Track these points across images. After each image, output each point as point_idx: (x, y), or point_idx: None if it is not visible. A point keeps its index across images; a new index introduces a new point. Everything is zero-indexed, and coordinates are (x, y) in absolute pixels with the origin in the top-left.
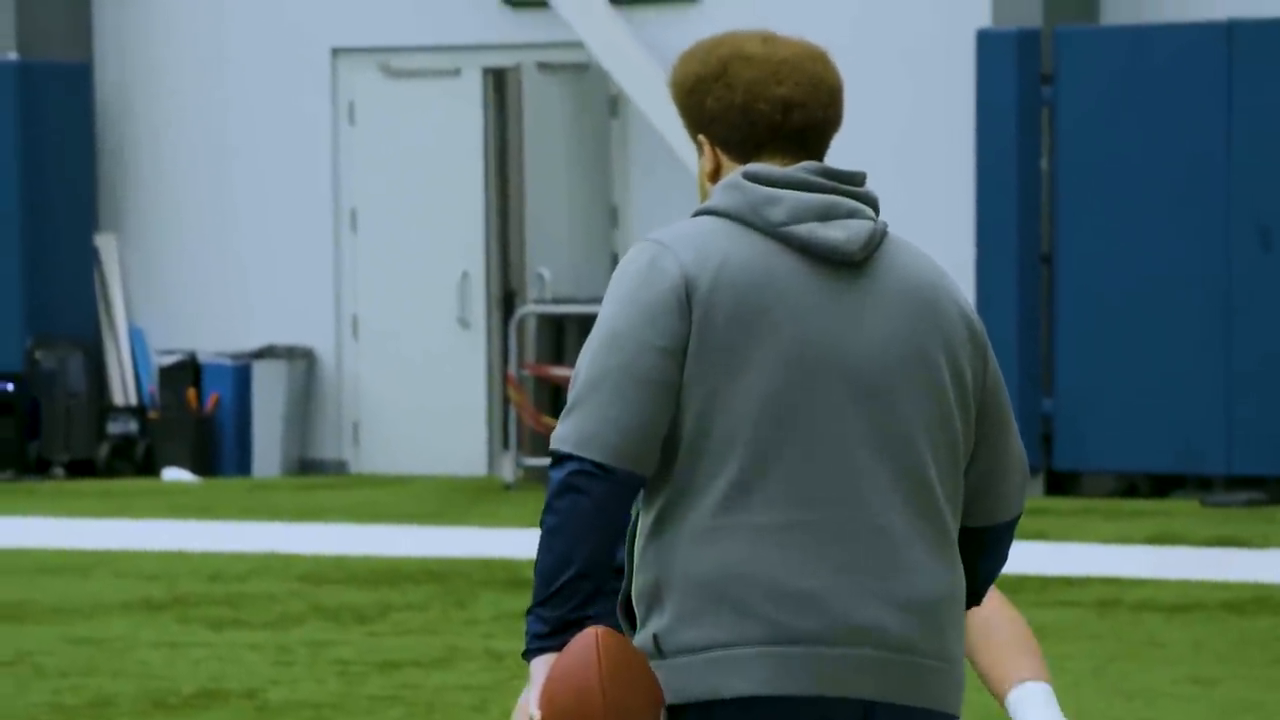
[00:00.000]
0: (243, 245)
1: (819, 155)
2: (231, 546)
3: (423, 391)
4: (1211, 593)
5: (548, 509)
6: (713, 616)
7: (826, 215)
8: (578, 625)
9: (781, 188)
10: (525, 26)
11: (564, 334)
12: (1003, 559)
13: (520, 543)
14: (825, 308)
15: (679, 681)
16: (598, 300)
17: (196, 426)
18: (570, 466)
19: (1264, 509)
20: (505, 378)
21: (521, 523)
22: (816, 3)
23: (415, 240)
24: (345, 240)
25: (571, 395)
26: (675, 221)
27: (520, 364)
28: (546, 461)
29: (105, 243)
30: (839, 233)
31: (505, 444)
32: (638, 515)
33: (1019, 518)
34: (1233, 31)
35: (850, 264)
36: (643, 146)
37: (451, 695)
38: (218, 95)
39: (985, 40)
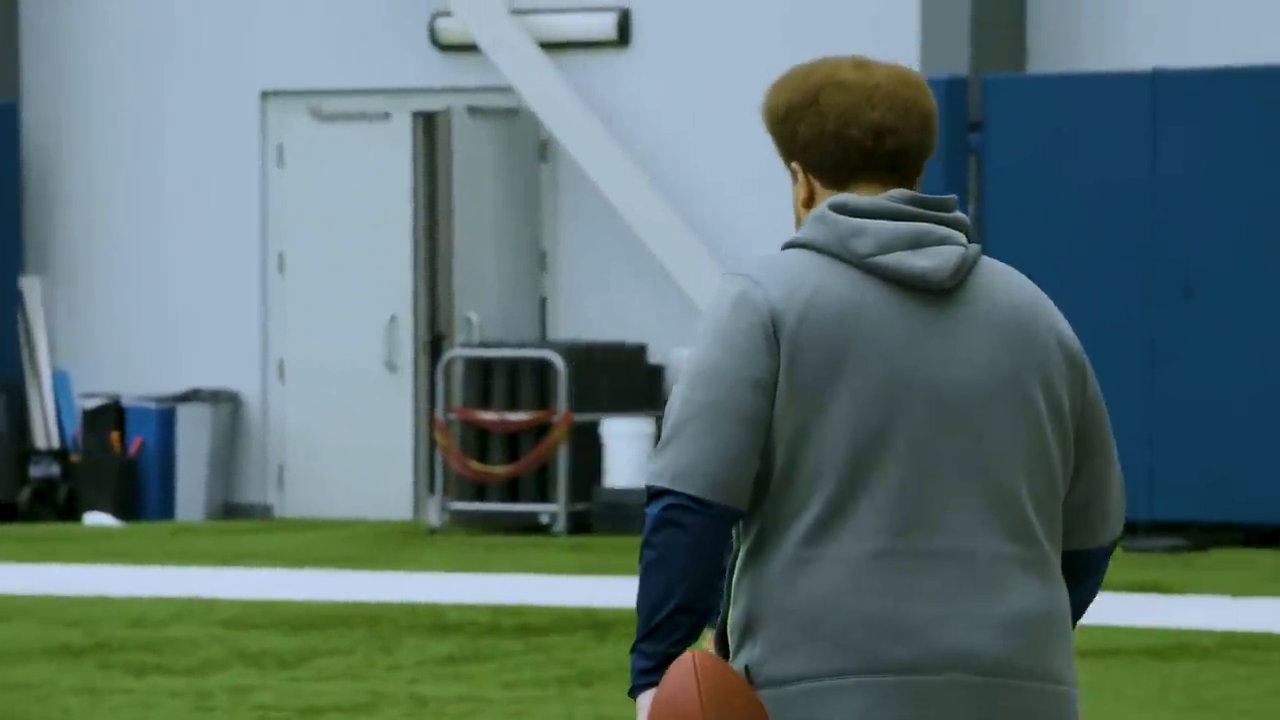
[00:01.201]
0: (169, 288)
1: (912, 181)
2: (154, 591)
3: (349, 435)
4: (1134, 638)
5: (646, 544)
6: (806, 647)
7: (917, 244)
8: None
9: (868, 218)
10: (455, 71)
11: (491, 378)
12: (1098, 584)
13: (446, 587)
14: (914, 337)
15: (773, 713)
16: (526, 344)
17: (120, 470)
18: (667, 501)
19: (1186, 554)
20: (432, 421)
21: (447, 567)
22: (745, 52)
23: (343, 283)
24: (273, 283)
25: (665, 431)
26: (757, 255)
27: (447, 408)
28: (472, 505)
29: (30, 285)
30: (927, 261)
31: (431, 488)
32: (739, 548)
33: (1116, 543)
34: (1157, 81)
35: (940, 291)
36: (572, 191)
37: None
38: (146, 137)
39: None
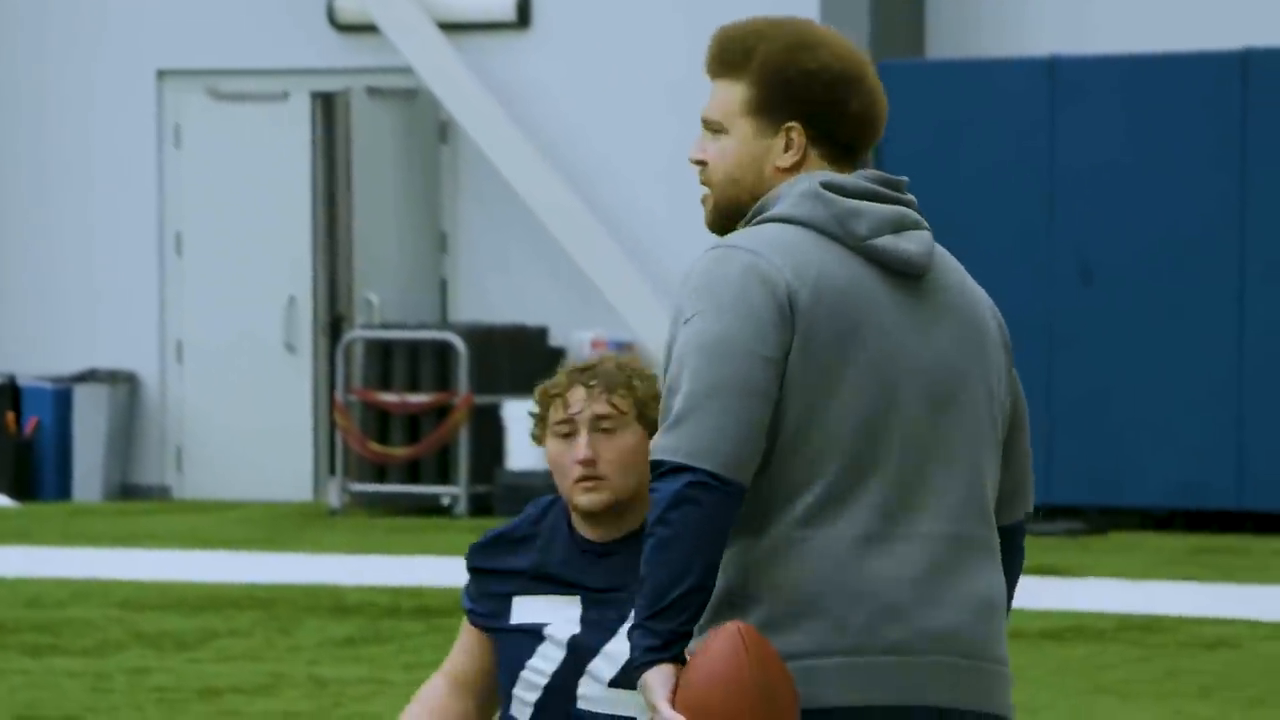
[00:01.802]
0: (65, 267)
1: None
2: (50, 572)
3: (248, 416)
4: (1030, 621)
5: (660, 521)
6: (803, 625)
7: (899, 227)
8: (687, 639)
9: (859, 199)
10: (354, 51)
11: (392, 359)
12: (1023, 559)
13: (346, 569)
14: (903, 321)
15: None
16: (427, 326)
17: (15, 450)
18: (685, 478)
19: (1082, 538)
20: (332, 403)
21: (347, 549)
22: (646, 35)
23: (241, 264)
24: (170, 263)
25: (676, 405)
26: (752, 229)
27: (347, 389)
28: (373, 487)
29: None
30: (913, 246)
31: (332, 469)
32: None
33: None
34: (1055, 67)
35: (917, 276)
36: (472, 173)
37: None
38: (41, 115)
39: None
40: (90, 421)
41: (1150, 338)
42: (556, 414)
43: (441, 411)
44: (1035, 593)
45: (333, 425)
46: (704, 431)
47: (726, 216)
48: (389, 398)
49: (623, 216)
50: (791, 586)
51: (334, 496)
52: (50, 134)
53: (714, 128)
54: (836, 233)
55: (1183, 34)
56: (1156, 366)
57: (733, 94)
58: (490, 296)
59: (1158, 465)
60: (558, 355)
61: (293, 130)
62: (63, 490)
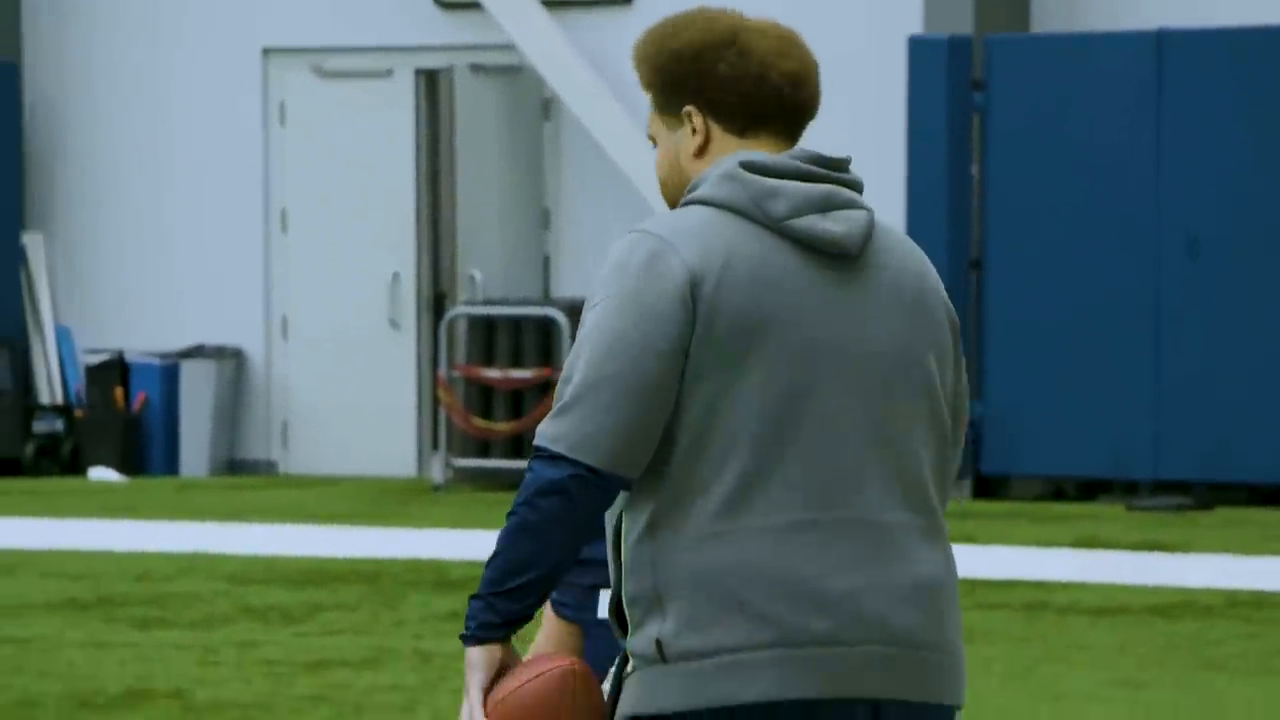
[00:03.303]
0: (172, 245)
1: (799, 135)
2: (158, 546)
3: (352, 392)
4: (1137, 596)
5: (527, 504)
6: (726, 620)
7: (825, 207)
8: (526, 620)
9: (779, 178)
10: (458, 28)
11: (494, 335)
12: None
13: (450, 544)
14: (826, 304)
15: (687, 687)
16: (529, 302)
17: (123, 426)
18: (563, 469)
19: (1189, 514)
20: (435, 379)
21: (451, 524)
22: (747, 9)
23: (346, 241)
24: (275, 240)
25: (566, 394)
26: (661, 214)
27: (450, 365)
28: (476, 463)
29: (33, 241)
30: (839, 226)
31: (435, 445)
32: (620, 515)
33: None
34: (1162, 41)
35: (848, 257)
36: (575, 149)
37: (380, 696)
38: (148, 94)
39: (916, 47)
40: (197, 397)
41: (1258, 312)
42: None
43: (544, 387)
44: (1143, 568)
45: (436, 401)
46: (588, 424)
47: None
48: (492, 373)
49: None
50: (712, 581)
51: (437, 472)
52: (158, 113)
53: (652, 143)
54: (753, 213)
55: None
56: (1264, 341)
57: (648, 103)
58: (592, 272)
59: (1265, 440)
60: None
61: (397, 108)
62: (170, 465)
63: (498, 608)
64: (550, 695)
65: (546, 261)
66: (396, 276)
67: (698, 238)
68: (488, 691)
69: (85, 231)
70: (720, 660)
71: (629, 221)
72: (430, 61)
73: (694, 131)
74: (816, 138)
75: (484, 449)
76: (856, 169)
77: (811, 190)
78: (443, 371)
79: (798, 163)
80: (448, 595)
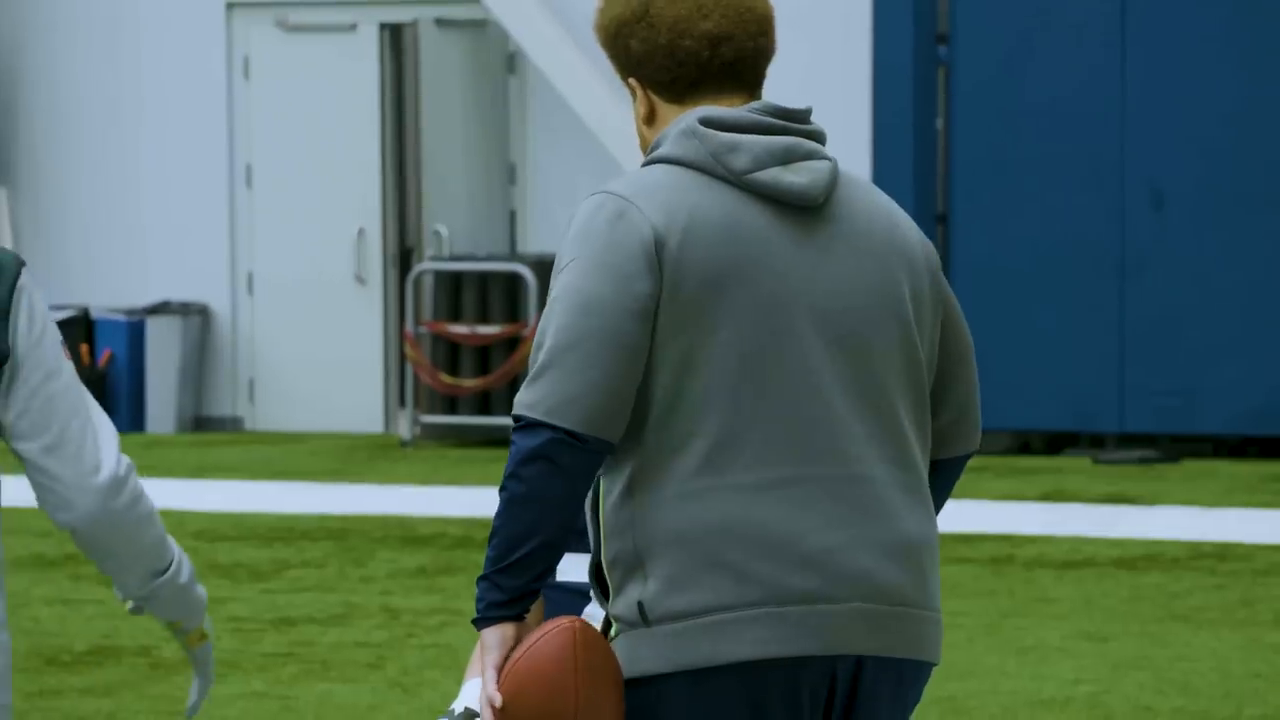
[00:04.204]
0: (136, 200)
1: (755, 88)
2: None
3: (319, 348)
4: (1103, 549)
5: (513, 476)
6: (708, 579)
7: (787, 159)
8: (534, 595)
9: (739, 132)
10: None
11: (461, 291)
12: (947, 495)
13: (417, 500)
14: (793, 256)
15: (670, 649)
16: (496, 257)
17: (89, 383)
18: (543, 434)
19: (1155, 467)
20: (402, 335)
21: (418, 480)
22: None
23: (311, 196)
24: (240, 196)
25: (539, 359)
26: (624, 174)
27: (417, 321)
28: (444, 419)
29: None
30: (802, 178)
31: (402, 401)
32: (598, 480)
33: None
34: None
35: (813, 208)
36: (541, 104)
37: (347, 652)
38: (111, 49)
39: (882, 1)
40: (163, 353)
41: (1224, 262)
42: None
43: (511, 343)
44: (1108, 521)
45: (403, 357)
46: (563, 387)
47: None
48: (459, 329)
49: None
50: (693, 541)
51: (405, 428)
52: (120, 66)
53: None
54: (713, 169)
55: None
56: (1230, 291)
57: None
58: (559, 227)
59: (1231, 392)
60: None
61: (361, 62)
62: (136, 422)
63: (503, 585)
64: (555, 654)
65: (513, 216)
66: (362, 232)
67: (660, 196)
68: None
69: (48, 188)
70: (705, 620)
71: (595, 176)
72: (395, 16)
73: (638, 101)
74: (780, 91)
75: (451, 405)
76: (822, 123)
77: (773, 143)
78: (409, 327)
79: (756, 116)
80: (415, 552)
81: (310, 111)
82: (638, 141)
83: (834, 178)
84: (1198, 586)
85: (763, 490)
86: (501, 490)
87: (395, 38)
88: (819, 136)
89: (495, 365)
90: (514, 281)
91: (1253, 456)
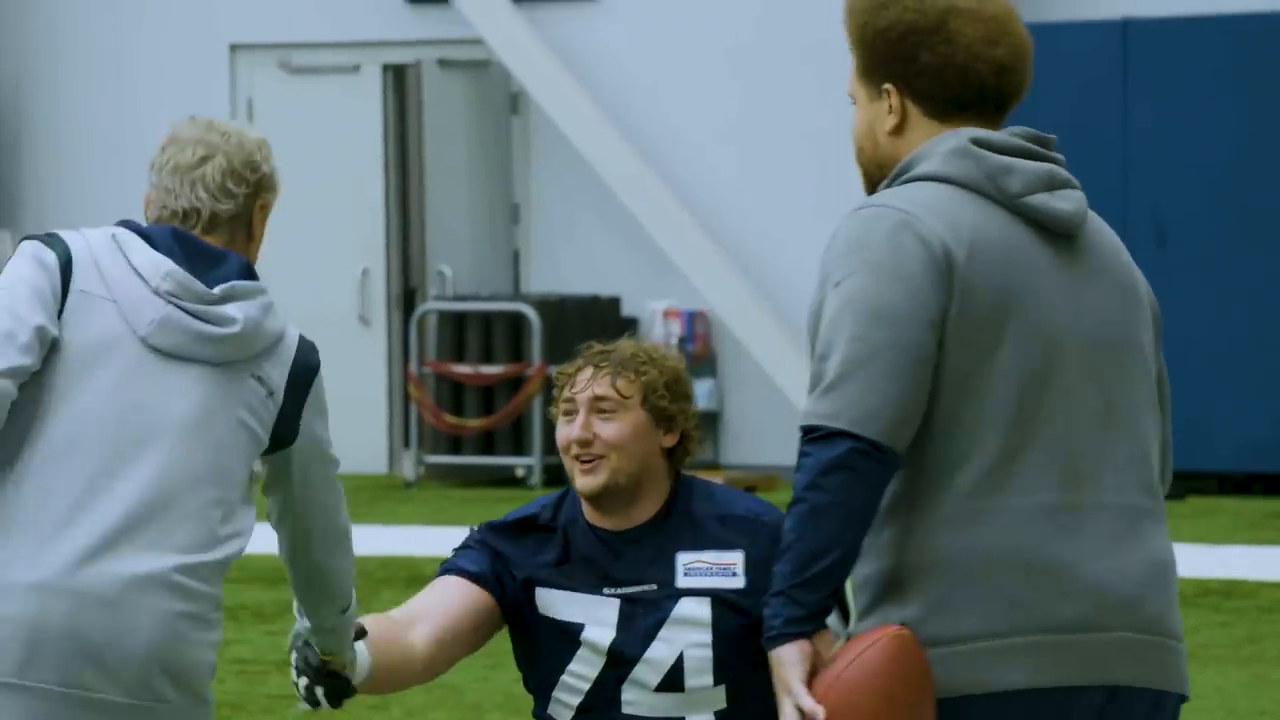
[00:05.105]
0: None
1: (1000, 121)
2: None
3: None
4: None
5: (813, 486)
6: (977, 605)
7: (1051, 185)
8: (829, 611)
9: (1009, 156)
10: (426, 23)
11: (465, 331)
12: None
13: (422, 541)
14: (1059, 283)
15: (935, 675)
16: (499, 297)
17: None
18: (844, 444)
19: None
20: (406, 375)
21: (423, 520)
22: (718, 4)
23: (315, 237)
24: None
25: (830, 369)
26: (890, 190)
27: (421, 361)
28: (448, 459)
29: None
30: (1067, 205)
31: (406, 442)
32: None
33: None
34: (1128, 30)
35: (1071, 236)
36: (544, 144)
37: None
38: (115, 89)
39: None
40: None
41: (1226, 299)
42: (563, 393)
43: (515, 383)
44: None
45: (406, 397)
46: (863, 397)
47: (869, 185)
48: (462, 369)
49: (693, 184)
50: (962, 563)
51: (408, 468)
52: (124, 107)
53: (851, 100)
54: (989, 190)
55: None
56: (1233, 327)
57: (851, 64)
58: (563, 267)
59: (1235, 429)
60: (631, 325)
61: (364, 103)
62: None
63: (801, 600)
64: (883, 666)
65: (516, 256)
66: (366, 272)
67: (940, 212)
68: (809, 685)
69: (51, 228)
70: (976, 647)
71: (599, 215)
72: (398, 56)
73: (890, 110)
74: (789, 129)
75: (455, 445)
76: (829, 155)
77: (1039, 168)
78: (413, 368)
79: (1021, 141)
80: (419, 592)
81: (314, 153)
82: (855, 136)
83: (1086, 208)
84: (1203, 624)
85: (1034, 517)
86: (797, 503)
87: (398, 79)
88: (1065, 165)
89: (499, 405)
90: (518, 321)
91: (1258, 493)
